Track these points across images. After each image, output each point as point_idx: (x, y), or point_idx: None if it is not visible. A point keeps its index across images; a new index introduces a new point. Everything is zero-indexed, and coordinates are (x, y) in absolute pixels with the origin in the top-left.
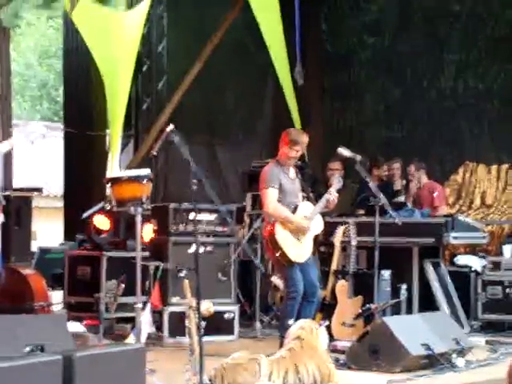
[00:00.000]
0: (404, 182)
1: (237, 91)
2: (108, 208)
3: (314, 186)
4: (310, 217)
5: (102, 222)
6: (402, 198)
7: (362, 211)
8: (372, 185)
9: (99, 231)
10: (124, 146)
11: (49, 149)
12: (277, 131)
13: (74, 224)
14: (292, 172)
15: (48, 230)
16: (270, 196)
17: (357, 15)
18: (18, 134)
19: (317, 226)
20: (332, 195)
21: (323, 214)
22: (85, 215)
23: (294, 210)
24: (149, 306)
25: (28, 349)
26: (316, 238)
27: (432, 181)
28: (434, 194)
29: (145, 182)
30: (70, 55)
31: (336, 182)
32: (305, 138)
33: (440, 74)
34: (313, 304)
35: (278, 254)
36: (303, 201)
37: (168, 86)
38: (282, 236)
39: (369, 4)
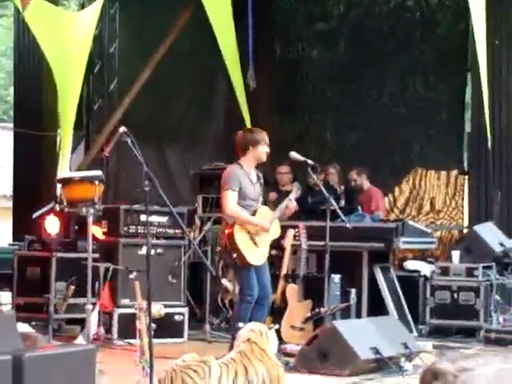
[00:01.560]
0: (343, 187)
1: (188, 94)
2: (58, 208)
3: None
4: (270, 221)
5: (52, 223)
6: (342, 203)
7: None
8: (323, 189)
9: (49, 232)
10: (75, 146)
11: None
12: (228, 134)
13: (23, 224)
14: (254, 175)
15: None
16: (230, 198)
17: (309, 23)
18: None
19: (274, 231)
20: (291, 202)
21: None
22: (35, 215)
23: (253, 214)
24: (97, 307)
25: None
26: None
27: (371, 186)
28: (374, 200)
29: (96, 183)
30: (21, 54)
31: (295, 190)
32: (260, 133)
33: (390, 81)
34: (264, 308)
35: (235, 255)
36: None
37: (119, 87)
38: (241, 238)
39: (321, 12)
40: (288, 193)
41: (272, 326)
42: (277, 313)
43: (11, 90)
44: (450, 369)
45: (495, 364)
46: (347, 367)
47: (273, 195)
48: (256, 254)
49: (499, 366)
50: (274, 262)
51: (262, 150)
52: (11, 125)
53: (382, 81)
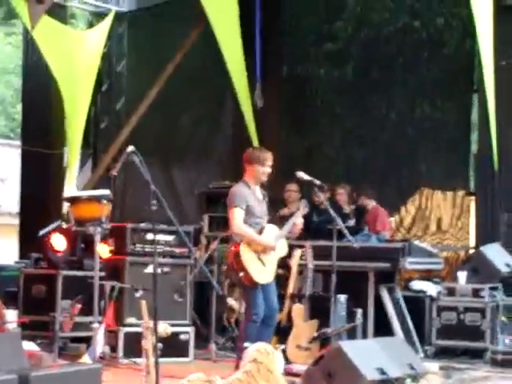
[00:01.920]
0: (353, 206)
1: (196, 113)
2: (65, 226)
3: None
4: (276, 239)
5: (58, 241)
6: (351, 223)
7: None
8: (330, 209)
9: (55, 250)
10: (82, 164)
11: (5, 166)
12: (236, 153)
13: (30, 242)
14: (259, 193)
15: (2, 248)
16: (237, 216)
17: (317, 42)
18: None
19: (281, 249)
20: (298, 219)
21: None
22: (41, 233)
23: (260, 232)
24: (103, 326)
25: None
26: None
27: (377, 205)
28: (379, 219)
29: (104, 202)
30: (30, 72)
31: (302, 207)
32: (271, 155)
33: (397, 101)
34: (271, 327)
35: (241, 275)
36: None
37: (127, 105)
38: (247, 256)
39: (330, 31)
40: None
41: (278, 345)
42: (283, 333)
43: (19, 107)
44: None
45: None
46: None
47: (287, 210)
48: (263, 272)
49: None
50: (281, 281)
51: (261, 170)
52: (19, 142)
53: (389, 100)
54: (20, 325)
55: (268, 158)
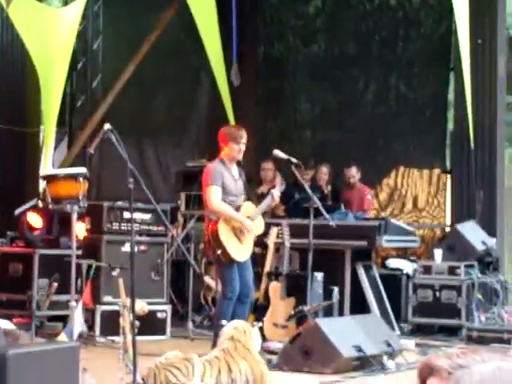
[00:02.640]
0: (329, 187)
1: (171, 92)
2: (41, 205)
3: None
4: (253, 217)
5: (34, 219)
6: (328, 203)
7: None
8: (307, 187)
9: (32, 228)
10: (58, 143)
11: None
12: (211, 132)
13: (6, 220)
14: (236, 171)
15: None
16: (214, 193)
17: (293, 19)
18: None
19: (258, 227)
20: (275, 196)
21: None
22: (17, 212)
23: (237, 210)
24: (80, 304)
25: None
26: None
27: (363, 185)
28: (367, 198)
29: (81, 180)
30: (4, 51)
31: (279, 184)
32: (245, 132)
33: (373, 80)
34: (246, 305)
35: (219, 252)
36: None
37: (103, 83)
38: (225, 234)
39: (305, 9)
40: (272, 189)
41: (255, 323)
42: (260, 310)
43: None
44: (445, 365)
45: (493, 362)
46: (330, 365)
47: (265, 188)
48: (240, 250)
49: (497, 364)
50: (257, 259)
51: (236, 148)
52: None
53: (365, 79)
54: None
55: (242, 135)
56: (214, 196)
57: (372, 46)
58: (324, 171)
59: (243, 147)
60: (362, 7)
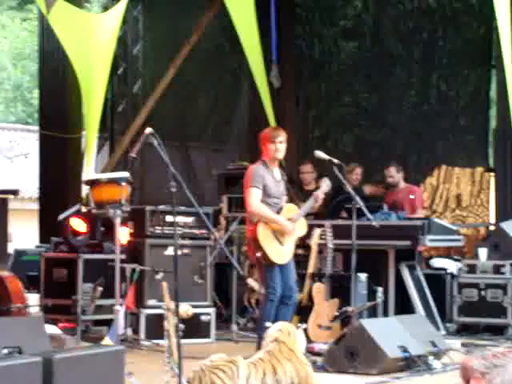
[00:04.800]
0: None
1: (212, 95)
2: (84, 210)
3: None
4: (295, 219)
5: (78, 225)
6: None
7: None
8: (349, 188)
9: (75, 233)
10: (99, 148)
11: (23, 151)
12: (253, 134)
13: (50, 226)
14: (277, 173)
15: (23, 232)
16: (254, 195)
17: (333, 20)
18: None
19: (300, 229)
20: (319, 197)
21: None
22: (61, 217)
23: (279, 212)
24: (123, 308)
25: (6, 351)
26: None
27: (409, 184)
28: (413, 197)
29: (123, 184)
30: (46, 57)
31: (324, 185)
32: (283, 132)
33: (416, 79)
34: (289, 307)
35: (259, 255)
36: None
37: (143, 88)
38: (265, 236)
39: (345, 9)
40: (312, 192)
41: (299, 325)
42: (304, 312)
43: (36, 92)
44: (479, 366)
45: None
46: (375, 366)
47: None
48: (281, 252)
49: None
50: (300, 261)
51: (273, 148)
52: (36, 127)
53: (407, 78)
54: (42, 308)
55: (278, 134)
56: (253, 198)
57: (413, 45)
58: (358, 172)
59: (280, 147)
60: (402, 7)
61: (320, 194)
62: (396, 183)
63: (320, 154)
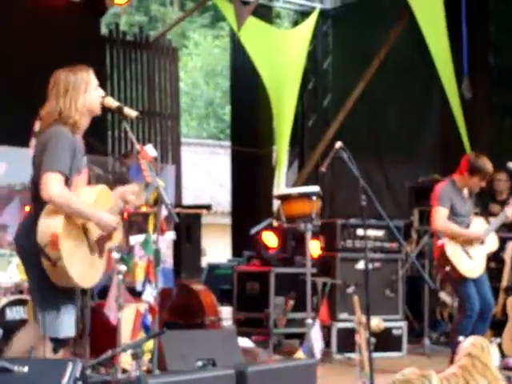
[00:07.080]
0: None
1: (401, 108)
2: (276, 224)
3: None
4: (486, 233)
5: (270, 239)
6: None
7: None
8: None
9: (267, 247)
10: (290, 162)
11: (215, 166)
12: (444, 146)
13: (242, 240)
14: (465, 192)
15: (216, 247)
16: (439, 214)
17: None
18: (186, 153)
19: (491, 244)
20: (509, 214)
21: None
22: (253, 231)
23: (467, 228)
24: (318, 321)
25: (200, 363)
26: None
27: None
28: None
29: (314, 198)
30: (237, 73)
31: None
32: (489, 167)
33: None
34: (486, 321)
35: (447, 269)
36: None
37: (333, 102)
38: (452, 251)
39: None
40: (504, 201)
41: (493, 339)
42: (498, 326)
43: (228, 108)
44: None
45: None
46: None
47: (497, 208)
48: (471, 266)
49: None
50: (493, 274)
51: (478, 183)
52: (228, 143)
53: None
54: (235, 321)
55: (490, 172)
56: (438, 217)
57: None
58: (504, 178)
59: (479, 184)
60: None
61: (510, 211)
62: None
63: None
